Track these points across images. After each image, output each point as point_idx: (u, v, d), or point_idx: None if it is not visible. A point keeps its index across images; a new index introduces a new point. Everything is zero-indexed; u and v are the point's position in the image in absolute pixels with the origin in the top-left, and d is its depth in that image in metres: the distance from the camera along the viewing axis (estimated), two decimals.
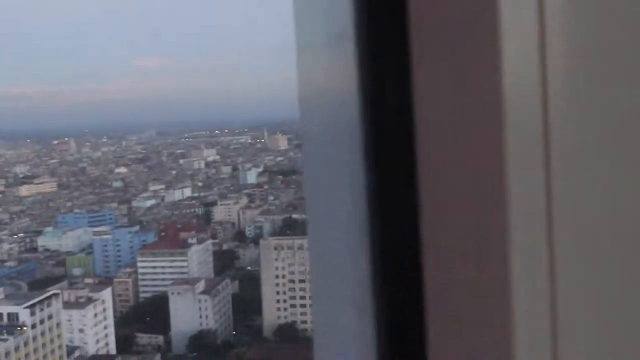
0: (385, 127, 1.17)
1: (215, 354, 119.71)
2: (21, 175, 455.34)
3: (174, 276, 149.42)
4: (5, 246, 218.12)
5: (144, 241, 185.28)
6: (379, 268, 1.24)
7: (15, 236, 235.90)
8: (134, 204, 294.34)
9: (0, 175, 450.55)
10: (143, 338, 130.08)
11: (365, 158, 1.18)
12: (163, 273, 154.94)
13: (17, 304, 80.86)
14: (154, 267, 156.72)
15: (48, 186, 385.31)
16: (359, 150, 1.19)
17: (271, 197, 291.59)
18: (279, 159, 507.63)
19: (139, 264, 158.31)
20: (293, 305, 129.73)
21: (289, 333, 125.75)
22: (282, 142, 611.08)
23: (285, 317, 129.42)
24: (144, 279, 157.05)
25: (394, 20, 1.11)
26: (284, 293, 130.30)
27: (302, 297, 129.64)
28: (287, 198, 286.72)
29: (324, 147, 1.44)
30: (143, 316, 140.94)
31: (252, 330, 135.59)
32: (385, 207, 1.22)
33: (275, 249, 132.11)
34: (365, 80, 1.19)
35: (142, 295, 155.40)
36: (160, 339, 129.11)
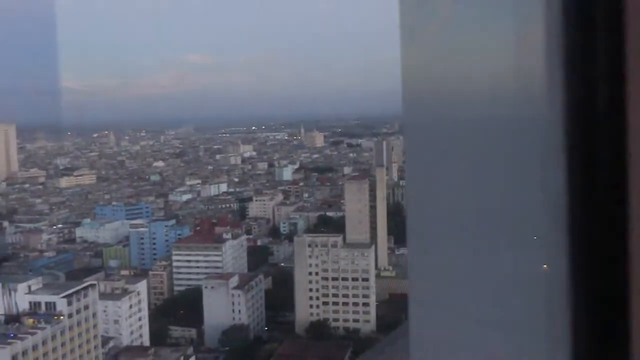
0: (592, 127, 1.02)
1: (247, 349, 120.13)
2: (61, 167, 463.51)
3: (208, 270, 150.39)
4: (45, 236, 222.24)
5: (179, 235, 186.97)
6: (581, 294, 1.06)
7: (55, 227, 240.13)
8: (171, 197, 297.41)
9: (41, 167, 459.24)
10: (176, 331, 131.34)
11: (566, 161, 1.05)
12: (197, 267, 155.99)
13: (55, 294, 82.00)
14: (188, 261, 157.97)
15: (87, 178, 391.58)
16: (556, 152, 1.07)
17: (306, 194, 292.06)
18: (315, 156, 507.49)
19: (174, 258, 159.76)
20: (325, 303, 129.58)
21: (321, 330, 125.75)
22: (319, 139, 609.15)
23: (318, 314, 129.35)
24: (178, 272, 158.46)
25: (606, 15, 1.02)
26: (317, 290, 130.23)
27: (335, 295, 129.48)
28: (322, 195, 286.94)
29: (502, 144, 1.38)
30: (177, 309, 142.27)
31: (284, 326, 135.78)
32: (589, 219, 1.05)
33: (309, 246, 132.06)
34: (571, 78, 1.06)
35: (176, 288, 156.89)
36: (193, 332, 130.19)
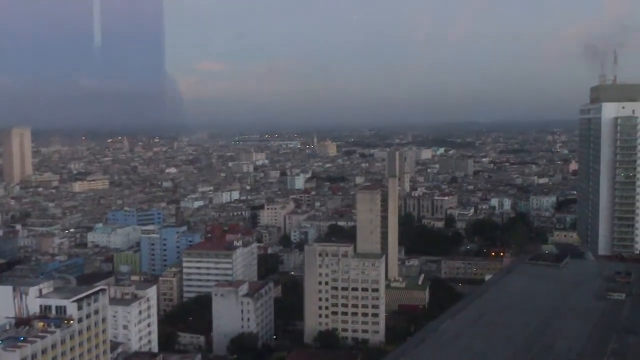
0: None
1: (256, 357, 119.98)
2: (75, 172, 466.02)
3: (218, 277, 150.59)
4: (57, 240, 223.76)
5: (190, 241, 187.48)
6: None
7: (67, 231, 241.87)
8: (183, 204, 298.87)
9: (55, 171, 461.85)
10: (185, 337, 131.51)
11: None
12: (208, 274, 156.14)
13: (66, 298, 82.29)
14: (198, 268, 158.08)
15: (100, 183, 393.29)
16: None
17: (318, 203, 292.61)
18: (328, 165, 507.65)
19: (185, 264, 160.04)
20: (335, 313, 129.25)
21: (329, 340, 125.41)
22: (332, 149, 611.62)
23: (327, 323, 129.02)
24: (188, 279, 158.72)
25: None
26: (327, 300, 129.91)
27: (344, 305, 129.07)
28: (334, 204, 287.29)
29: None
30: (186, 316, 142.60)
31: (292, 335, 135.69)
32: None
33: (320, 255, 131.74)
34: None
35: (186, 295, 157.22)
36: (201, 339, 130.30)
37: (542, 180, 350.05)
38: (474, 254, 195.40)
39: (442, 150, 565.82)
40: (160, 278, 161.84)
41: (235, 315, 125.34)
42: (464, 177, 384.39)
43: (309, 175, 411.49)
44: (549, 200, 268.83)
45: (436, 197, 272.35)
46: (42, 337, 74.24)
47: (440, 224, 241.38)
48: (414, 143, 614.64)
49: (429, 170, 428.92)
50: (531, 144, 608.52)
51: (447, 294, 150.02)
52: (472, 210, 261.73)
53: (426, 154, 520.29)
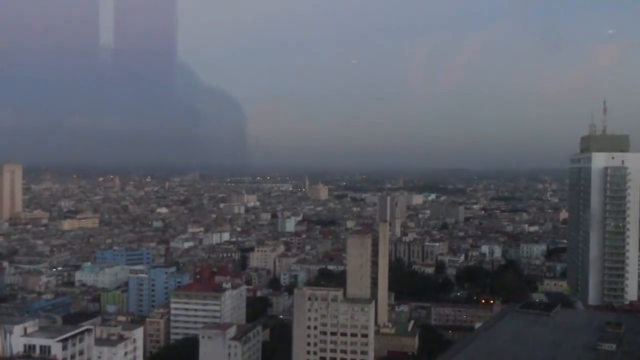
0: None
1: None
2: (65, 210, 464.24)
3: (206, 320, 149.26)
4: (44, 279, 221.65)
5: (179, 282, 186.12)
6: None
7: (54, 269, 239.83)
8: (172, 244, 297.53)
9: (45, 208, 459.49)
10: None
11: None
12: (195, 315, 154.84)
13: (51, 337, 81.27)
14: (186, 309, 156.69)
15: (90, 222, 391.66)
16: None
17: (308, 247, 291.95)
18: (319, 208, 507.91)
19: (173, 305, 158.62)
20: (323, 358, 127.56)
21: None
22: (323, 192, 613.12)
23: None
24: (176, 320, 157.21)
25: None
26: (315, 345, 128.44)
27: (333, 350, 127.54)
28: (324, 248, 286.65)
29: None
30: (172, 358, 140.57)
31: None
32: None
33: (309, 299, 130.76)
34: None
35: (173, 336, 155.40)
36: None
37: (532, 228, 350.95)
38: (464, 301, 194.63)
39: (433, 196, 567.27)
40: (148, 319, 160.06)
41: (222, 358, 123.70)
42: (455, 224, 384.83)
43: (300, 218, 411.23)
44: (539, 248, 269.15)
45: (427, 243, 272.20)
46: None
47: (430, 270, 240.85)
48: (405, 188, 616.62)
49: (420, 215, 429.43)
50: (522, 192, 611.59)
51: (437, 341, 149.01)
52: (462, 257, 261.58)
53: (417, 199, 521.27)
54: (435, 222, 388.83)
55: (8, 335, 79.12)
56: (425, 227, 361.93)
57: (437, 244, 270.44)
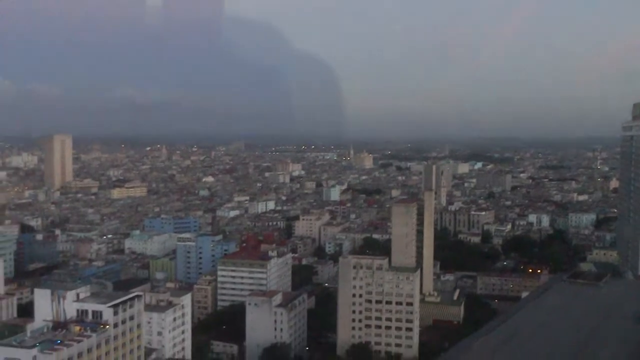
0: None
1: None
2: (114, 179, 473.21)
3: (253, 287, 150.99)
4: (95, 246, 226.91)
5: (225, 250, 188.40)
6: None
7: (105, 237, 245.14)
8: (219, 213, 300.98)
9: (94, 178, 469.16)
10: (218, 346, 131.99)
11: None
12: (242, 283, 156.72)
13: (102, 303, 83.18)
14: (233, 277, 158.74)
15: (138, 190, 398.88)
16: None
17: (353, 215, 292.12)
18: (363, 177, 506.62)
19: (220, 273, 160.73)
20: (368, 326, 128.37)
21: (362, 353, 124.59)
22: (368, 161, 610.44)
23: (360, 336, 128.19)
24: (223, 288, 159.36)
25: None
26: (360, 313, 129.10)
27: (378, 318, 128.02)
28: (369, 217, 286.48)
29: None
30: (220, 324, 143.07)
31: (325, 347, 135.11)
32: None
33: (354, 267, 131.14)
34: None
35: (220, 303, 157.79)
36: (234, 348, 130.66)
37: (581, 197, 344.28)
38: (510, 271, 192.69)
39: (479, 164, 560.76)
40: (195, 286, 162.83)
41: (268, 325, 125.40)
42: (502, 193, 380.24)
43: (344, 187, 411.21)
44: (588, 218, 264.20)
45: (473, 212, 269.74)
46: (79, 341, 75.15)
47: (476, 239, 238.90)
48: (451, 157, 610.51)
49: (466, 184, 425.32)
50: (571, 161, 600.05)
51: (483, 311, 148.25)
52: (509, 226, 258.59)
53: (463, 168, 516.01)
54: (481, 191, 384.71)
55: (62, 300, 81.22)
56: (472, 196, 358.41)
57: (484, 213, 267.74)
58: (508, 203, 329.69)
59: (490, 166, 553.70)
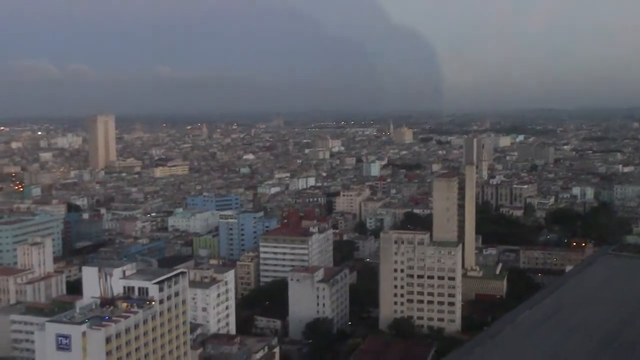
0: None
1: (331, 343, 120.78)
2: (156, 158, 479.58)
3: (294, 263, 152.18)
4: (139, 224, 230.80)
5: (267, 227, 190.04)
6: None
7: (149, 215, 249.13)
8: (260, 190, 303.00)
9: (137, 157, 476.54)
10: (262, 321, 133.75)
11: None
12: (284, 259, 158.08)
13: (147, 280, 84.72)
14: (275, 253, 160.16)
15: (180, 169, 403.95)
16: None
17: (393, 191, 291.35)
18: (403, 152, 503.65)
19: (262, 249, 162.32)
20: (410, 301, 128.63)
21: (404, 328, 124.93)
22: (408, 136, 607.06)
23: (402, 311, 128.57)
24: (265, 264, 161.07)
25: None
26: (402, 287, 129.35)
27: (420, 293, 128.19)
28: (410, 192, 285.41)
29: None
30: (262, 300, 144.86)
31: (367, 321, 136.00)
32: None
33: (395, 242, 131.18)
34: None
35: (262, 279, 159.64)
36: (277, 323, 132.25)
37: (627, 169, 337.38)
38: (553, 244, 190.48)
39: (521, 137, 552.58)
40: (238, 262, 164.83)
41: (310, 300, 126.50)
42: (544, 165, 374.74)
43: (384, 162, 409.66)
44: (634, 190, 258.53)
45: (515, 185, 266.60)
46: (126, 317, 76.77)
47: (518, 213, 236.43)
48: (492, 130, 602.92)
49: (507, 157, 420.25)
50: (616, 132, 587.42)
51: (526, 285, 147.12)
52: (552, 199, 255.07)
53: (504, 141, 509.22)
54: (523, 164, 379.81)
55: (109, 277, 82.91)
56: (513, 170, 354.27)
57: (526, 186, 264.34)
58: (551, 176, 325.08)
59: (532, 139, 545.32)
